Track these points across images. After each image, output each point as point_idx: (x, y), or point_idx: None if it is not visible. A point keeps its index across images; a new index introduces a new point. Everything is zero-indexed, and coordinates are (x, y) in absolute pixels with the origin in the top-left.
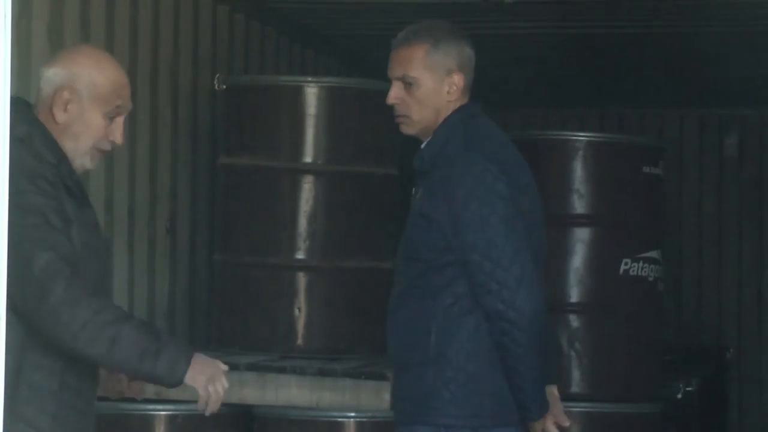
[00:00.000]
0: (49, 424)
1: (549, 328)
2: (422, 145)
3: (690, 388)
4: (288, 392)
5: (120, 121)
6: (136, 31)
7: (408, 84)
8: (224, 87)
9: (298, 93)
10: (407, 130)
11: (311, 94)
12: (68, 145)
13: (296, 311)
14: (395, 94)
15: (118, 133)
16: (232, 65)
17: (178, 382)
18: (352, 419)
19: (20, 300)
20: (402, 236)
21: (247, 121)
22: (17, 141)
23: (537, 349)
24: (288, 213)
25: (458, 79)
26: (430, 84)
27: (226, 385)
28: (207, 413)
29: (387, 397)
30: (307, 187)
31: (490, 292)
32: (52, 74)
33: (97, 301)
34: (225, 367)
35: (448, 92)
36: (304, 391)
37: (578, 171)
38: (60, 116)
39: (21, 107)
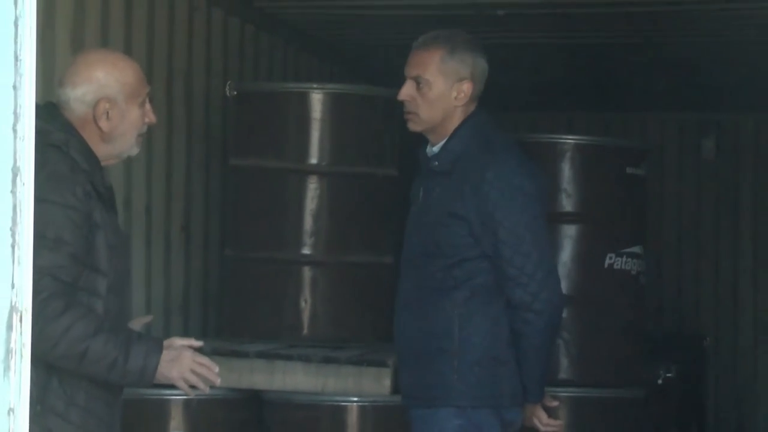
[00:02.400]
0: (80, 416)
1: None
2: (435, 149)
3: (670, 374)
4: (295, 378)
5: (148, 103)
6: (153, 42)
7: (420, 84)
8: (235, 93)
9: (304, 99)
10: (414, 126)
11: (316, 99)
12: (114, 148)
13: (302, 303)
14: (407, 91)
15: (151, 114)
16: (243, 73)
17: (149, 384)
18: (354, 404)
19: None
20: (413, 233)
21: (256, 125)
22: (54, 148)
23: (552, 341)
24: (294, 211)
25: (467, 87)
26: (441, 87)
27: (203, 361)
28: (193, 395)
29: (387, 383)
30: (313, 187)
31: (520, 285)
32: (81, 93)
33: (70, 317)
34: (198, 344)
35: (456, 98)
36: (310, 377)
37: (566, 171)
38: (105, 126)
39: (56, 114)
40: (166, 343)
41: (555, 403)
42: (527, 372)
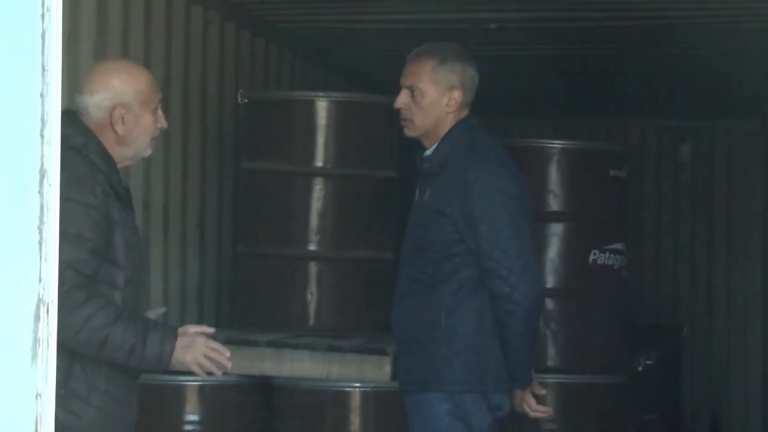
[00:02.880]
0: (101, 399)
1: None
2: (427, 152)
3: (649, 362)
4: (302, 365)
5: (160, 110)
6: (170, 54)
7: (414, 93)
8: (246, 101)
9: (310, 106)
10: (409, 132)
11: (321, 107)
12: (128, 151)
13: (308, 295)
14: (402, 100)
15: (163, 120)
16: (253, 82)
17: (165, 369)
18: (357, 389)
19: None
20: (409, 230)
21: (266, 130)
22: (73, 150)
23: (533, 328)
24: (301, 210)
25: (458, 95)
26: (433, 95)
27: (215, 347)
28: (207, 378)
29: (387, 369)
30: (318, 188)
31: (500, 277)
32: (99, 100)
33: (91, 307)
34: (210, 330)
35: (447, 104)
36: (316, 365)
37: (553, 174)
38: (121, 130)
39: (76, 120)
40: (180, 330)
41: (543, 391)
42: (512, 359)
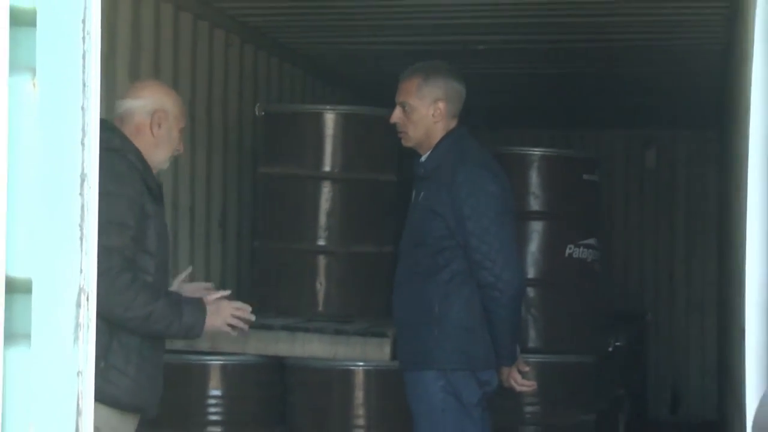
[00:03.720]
0: (134, 370)
1: None
2: (422, 158)
3: (618, 343)
4: (312, 347)
5: (181, 136)
6: (196, 72)
7: (406, 108)
8: (263, 113)
9: (319, 118)
10: (405, 143)
11: (329, 118)
12: (158, 155)
13: (318, 285)
14: (396, 115)
15: (181, 145)
16: (269, 96)
17: (199, 335)
18: (360, 368)
19: None
20: (406, 227)
21: (281, 139)
22: (113, 151)
23: (516, 313)
24: (311, 210)
25: (442, 106)
26: (421, 110)
27: (238, 305)
28: (238, 334)
29: (387, 350)
30: (326, 190)
31: (485, 268)
32: (143, 103)
33: (137, 287)
34: (227, 292)
35: (433, 116)
36: (324, 346)
37: (534, 177)
38: (156, 132)
39: (112, 126)
40: (204, 300)
41: (526, 368)
42: (497, 340)
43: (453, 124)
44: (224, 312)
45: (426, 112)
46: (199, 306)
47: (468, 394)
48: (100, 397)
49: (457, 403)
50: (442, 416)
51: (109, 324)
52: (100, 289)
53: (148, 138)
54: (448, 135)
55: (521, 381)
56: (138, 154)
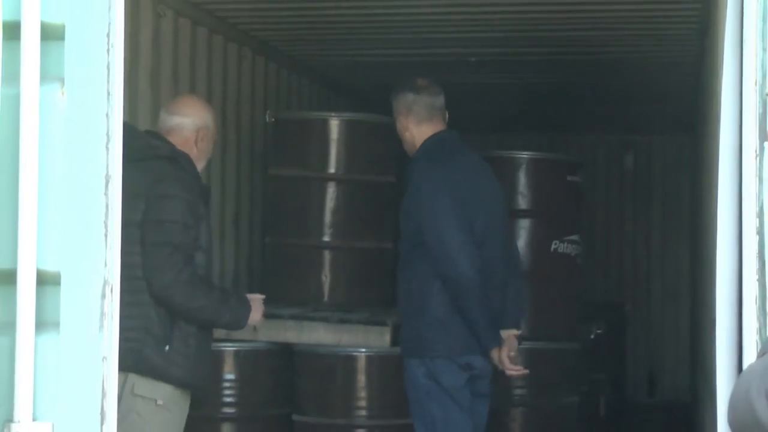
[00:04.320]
0: (193, 353)
1: (519, 289)
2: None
3: (599, 331)
4: (318, 334)
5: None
6: (211, 81)
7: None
8: (273, 120)
9: (324, 124)
10: (407, 151)
11: (334, 124)
12: (198, 164)
13: (323, 277)
14: (397, 129)
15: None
16: (278, 104)
17: (242, 328)
18: (362, 353)
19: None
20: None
21: (289, 143)
22: (166, 159)
23: (478, 299)
24: (317, 208)
25: (407, 117)
26: (398, 124)
27: (262, 309)
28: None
29: (387, 337)
30: (331, 191)
31: (440, 261)
32: (190, 121)
33: (199, 282)
34: (262, 296)
35: (403, 126)
36: (330, 334)
37: (521, 179)
38: (201, 146)
39: (160, 137)
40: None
41: (512, 353)
42: (471, 326)
43: (429, 130)
44: (259, 310)
45: (400, 125)
46: (245, 302)
47: (447, 378)
48: (166, 377)
49: (439, 388)
50: (427, 399)
51: (170, 314)
52: (165, 282)
53: (192, 150)
54: (426, 141)
55: (509, 365)
56: (190, 161)
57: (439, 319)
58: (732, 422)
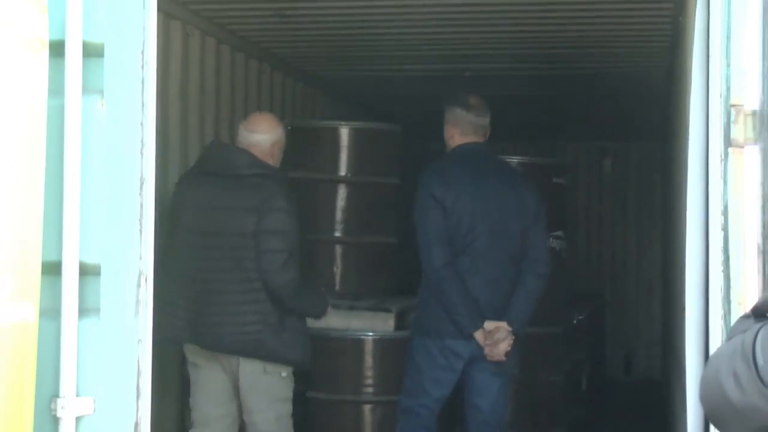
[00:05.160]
0: (300, 337)
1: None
2: None
3: (581, 317)
4: (329, 320)
5: None
6: (234, 95)
7: None
8: (289, 128)
9: (335, 131)
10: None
11: (344, 132)
12: None
13: (335, 269)
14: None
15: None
16: (294, 113)
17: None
18: (369, 337)
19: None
20: None
21: (304, 149)
22: (271, 177)
23: (446, 291)
24: (329, 207)
25: (449, 129)
26: (445, 130)
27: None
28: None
29: (391, 323)
30: (341, 191)
31: (420, 253)
32: (270, 137)
33: (298, 280)
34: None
35: (450, 135)
36: (340, 319)
37: None
38: (276, 159)
39: (244, 151)
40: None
41: (496, 339)
42: (449, 312)
43: (463, 140)
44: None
45: (447, 132)
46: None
47: (422, 359)
48: (283, 359)
49: (415, 365)
50: (410, 360)
51: (282, 307)
52: (281, 282)
53: (270, 161)
54: (453, 149)
55: (487, 351)
56: (285, 176)
57: (422, 304)
58: (704, 399)
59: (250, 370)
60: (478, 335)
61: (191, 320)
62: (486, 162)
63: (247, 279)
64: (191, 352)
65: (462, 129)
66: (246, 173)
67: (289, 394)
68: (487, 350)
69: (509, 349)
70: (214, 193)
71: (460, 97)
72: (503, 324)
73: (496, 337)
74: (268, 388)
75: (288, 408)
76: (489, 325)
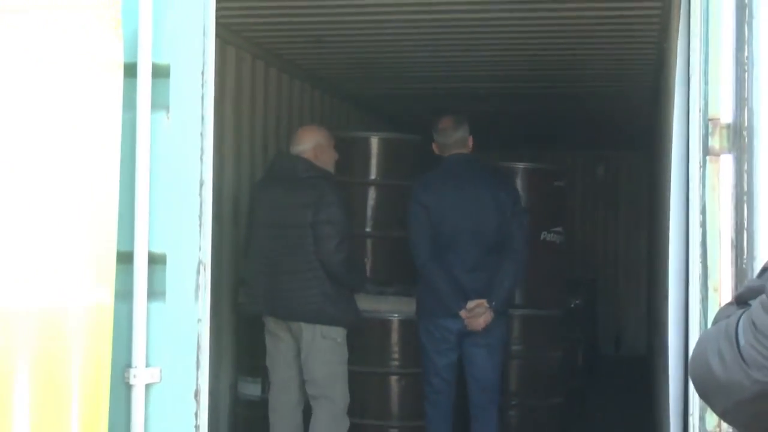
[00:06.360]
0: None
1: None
2: None
3: (577, 302)
4: (361, 303)
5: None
6: (280, 110)
7: None
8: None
9: (366, 141)
10: None
11: (373, 141)
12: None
13: (366, 260)
14: None
15: (335, 153)
16: (328, 126)
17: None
18: (395, 318)
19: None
20: None
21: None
22: (323, 177)
23: (437, 276)
24: (360, 206)
25: (434, 146)
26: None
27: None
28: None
29: (414, 306)
30: (371, 193)
31: (410, 251)
32: (308, 146)
33: (350, 260)
34: None
35: (436, 150)
36: (370, 302)
37: (519, 184)
38: (322, 158)
39: (300, 157)
40: None
41: (464, 313)
42: (437, 297)
43: (444, 154)
44: None
45: (434, 149)
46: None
47: (423, 337)
48: (341, 322)
49: (426, 341)
50: (420, 345)
51: (337, 281)
52: (336, 261)
53: (317, 162)
54: (441, 161)
55: (467, 322)
56: (333, 175)
57: (418, 290)
58: (693, 375)
59: (311, 335)
60: (463, 313)
61: (267, 296)
62: (466, 170)
63: (309, 260)
64: (269, 322)
65: (440, 147)
66: (303, 176)
67: (344, 358)
68: (466, 322)
69: (488, 321)
70: (280, 193)
71: (435, 122)
72: (482, 301)
73: (476, 311)
74: (326, 351)
75: (343, 370)
76: (471, 303)
